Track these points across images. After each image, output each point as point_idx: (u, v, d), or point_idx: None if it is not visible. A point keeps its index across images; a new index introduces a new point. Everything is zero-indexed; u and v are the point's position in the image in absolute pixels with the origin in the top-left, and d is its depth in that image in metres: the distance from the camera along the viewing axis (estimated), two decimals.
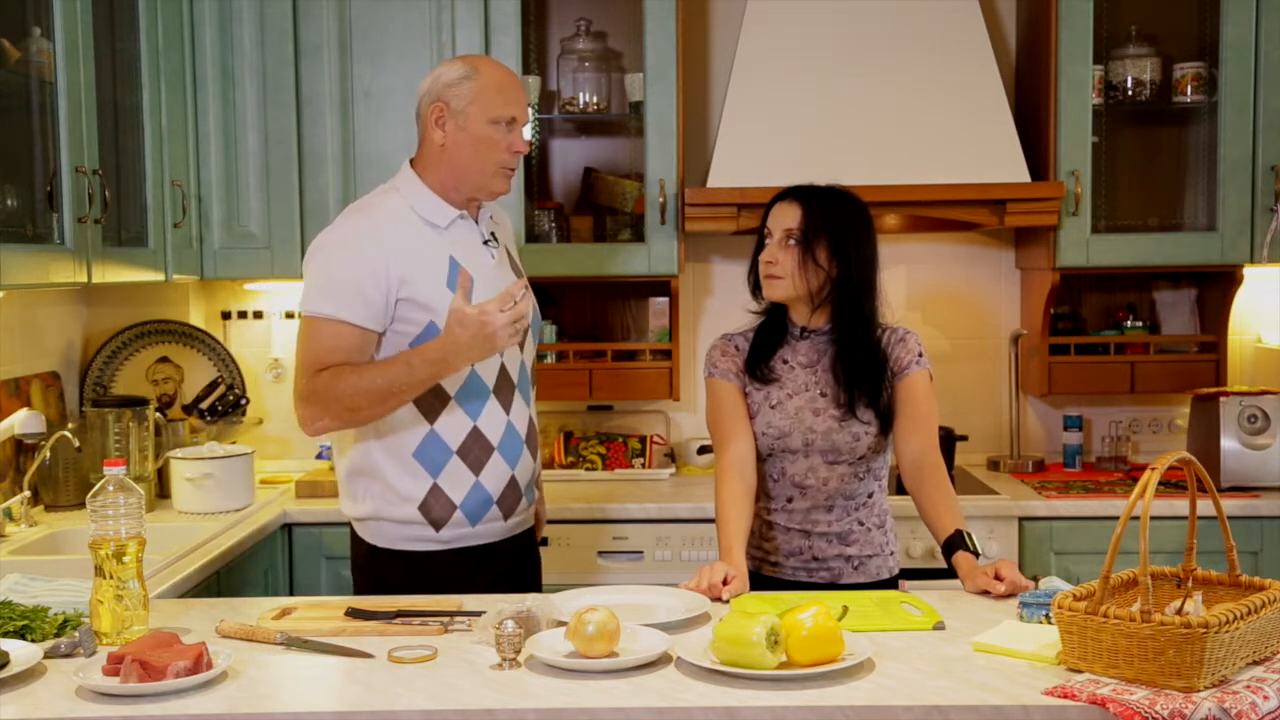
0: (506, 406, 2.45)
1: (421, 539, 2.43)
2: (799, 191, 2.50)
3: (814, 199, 2.47)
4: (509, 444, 2.45)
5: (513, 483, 2.47)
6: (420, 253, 2.37)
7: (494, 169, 2.42)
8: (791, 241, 2.45)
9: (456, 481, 2.41)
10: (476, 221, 2.48)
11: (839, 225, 2.45)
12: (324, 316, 2.32)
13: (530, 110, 2.88)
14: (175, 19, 3.33)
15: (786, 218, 2.46)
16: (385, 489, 2.41)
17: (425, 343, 2.31)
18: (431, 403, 2.39)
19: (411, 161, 2.49)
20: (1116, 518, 3.07)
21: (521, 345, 2.50)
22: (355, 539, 2.51)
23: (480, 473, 2.42)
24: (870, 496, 2.53)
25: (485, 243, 2.48)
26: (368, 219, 2.39)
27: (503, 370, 2.44)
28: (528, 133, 2.50)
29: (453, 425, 2.40)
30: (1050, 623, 1.96)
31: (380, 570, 2.44)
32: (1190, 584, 1.94)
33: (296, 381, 2.35)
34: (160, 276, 3.19)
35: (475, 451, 2.41)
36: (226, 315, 3.87)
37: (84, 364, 3.55)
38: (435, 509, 2.41)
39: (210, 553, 2.78)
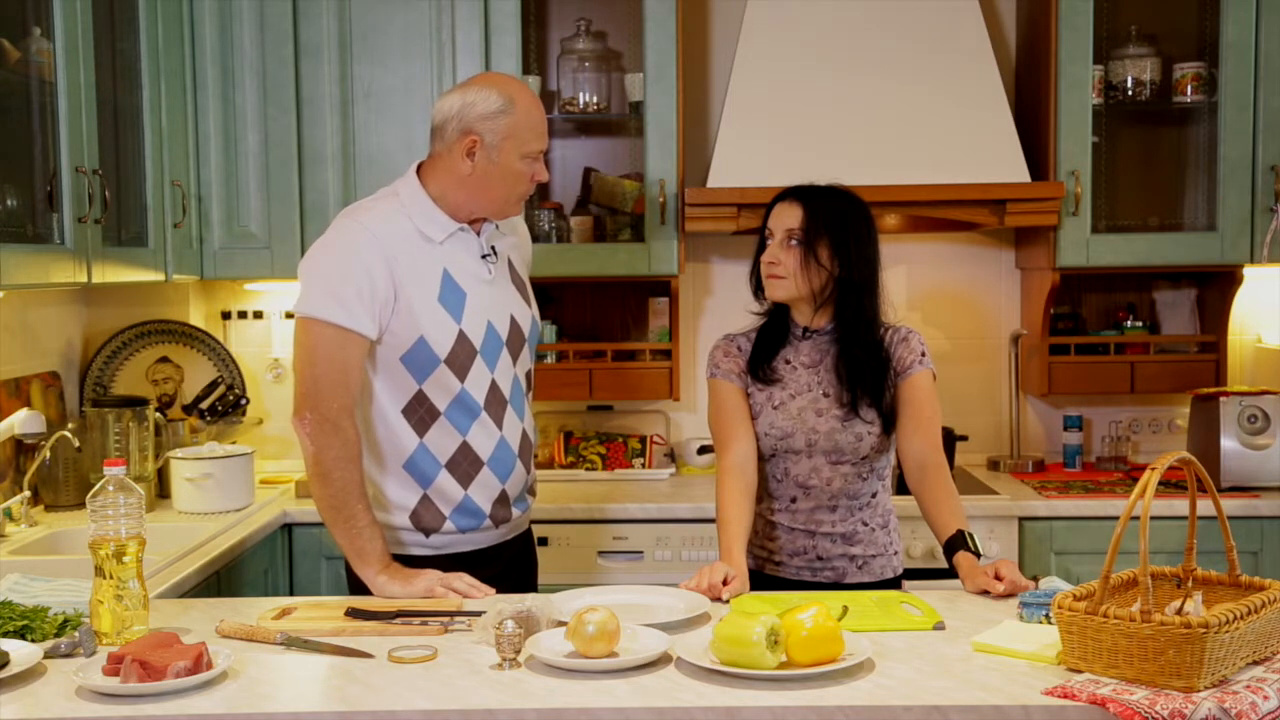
0: (498, 422, 2.43)
1: (412, 544, 2.43)
2: (800, 191, 2.50)
3: (815, 198, 2.47)
4: (500, 458, 2.44)
5: (503, 496, 2.47)
6: (414, 264, 2.35)
7: (516, 198, 2.43)
8: (793, 241, 2.45)
9: (446, 494, 2.41)
10: (479, 233, 2.46)
11: (840, 224, 2.45)
12: (326, 320, 2.30)
13: None
14: (175, 19, 3.33)
15: (788, 218, 2.46)
16: (377, 494, 2.41)
17: (378, 540, 2.33)
18: (422, 416, 2.38)
19: (419, 167, 2.45)
20: (1116, 518, 3.08)
21: (515, 358, 2.49)
22: None
23: (469, 486, 2.42)
24: (874, 496, 2.53)
25: (484, 256, 2.46)
26: (363, 224, 2.36)
27: (493, 386, 2.43)
28: None
29: (442, 440, 2.39)
30: (1050, 623, 1.96)
31: None
32: (1190, 584, 1.94)
33: (322, 389, 2.29)
34: (160, 276, 3.19)
35: (464, 466, 2.41)
36: (226, 315, 3.87)
37: (84, 364, 3.55)
38: (425, 518, 2.42)
39: (210, 553, 2.78)
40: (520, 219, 2.63)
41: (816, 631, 1.80)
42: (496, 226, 2.49)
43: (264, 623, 2.08)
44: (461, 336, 2.37)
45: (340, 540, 2.35)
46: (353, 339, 2.31)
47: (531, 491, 2.60)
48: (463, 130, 2.37)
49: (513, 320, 2.48)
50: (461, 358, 2.37)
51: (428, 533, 2.42)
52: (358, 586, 2.45)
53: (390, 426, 2.39)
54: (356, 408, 2.37)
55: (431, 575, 2.30)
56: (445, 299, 2.36)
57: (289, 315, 3.84)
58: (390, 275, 2.32)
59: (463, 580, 2.29)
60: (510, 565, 2.55)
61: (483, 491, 2.43)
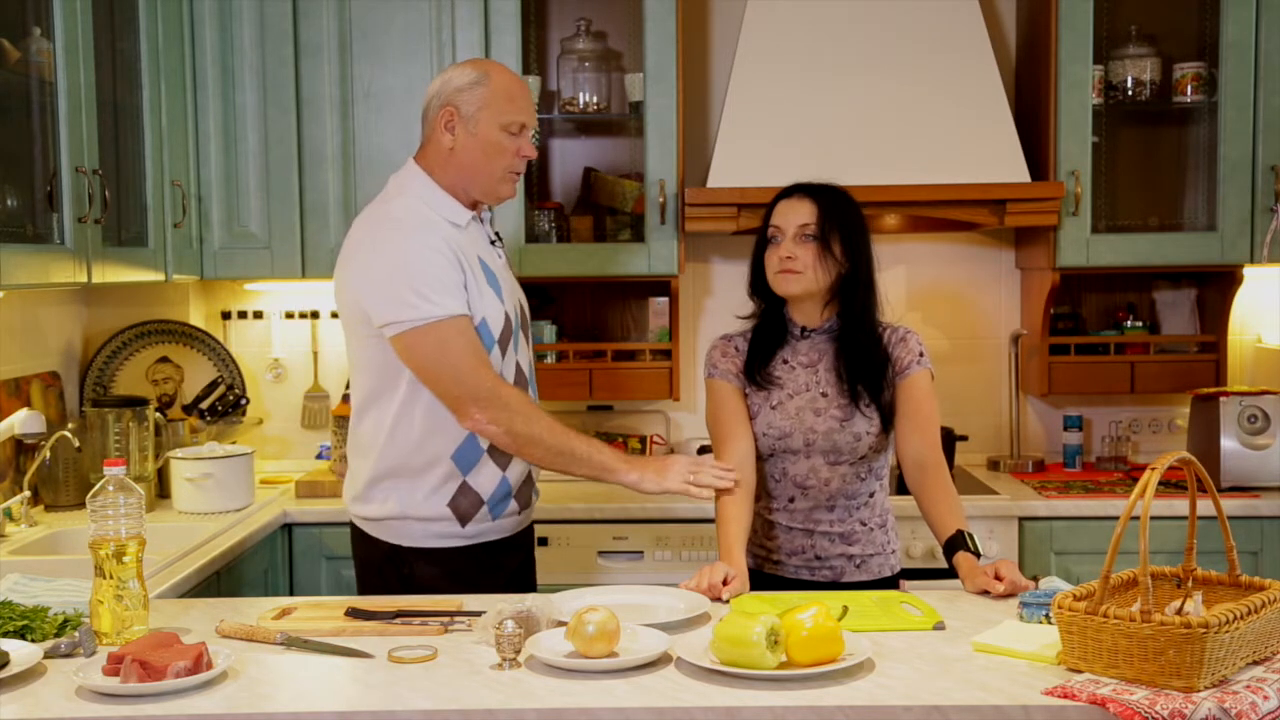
0: None
1: (448, 535, 2.44)
2: (808, 188, 2.50)
3: (825, 195, 2.48)
4: None
5: (528, 477, 2.53)
6: (459, 248, 2.39)
7: (501, 174, 2.44)
8: (808, 236, 2.45)
9: (484, 477, 2.44)
10: (483, 221, 2.52)
11: (849, 220, 2.47)
12: (421, 323, 2.31)
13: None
14: (175, 19, 3.33)
15: (800, 213, 2.46)
16: (415, 488, 2.43)
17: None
18: None
19: (416, 160, 2.48)
20: (1116, 518, 3.07)
21: (528, 342, 2.56)
22: (368, 541, 2.50)
23: (506, 468, 2.46)
24: (872, 496, 2.53)
25: (493, 242, 2.52)
26: (400, 221, 2.38)
27: (517, 368, 2.49)
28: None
29: None
30: (1050, 623, 1.96)
31: (406, 569, 2.45)
32: (1190, 584, 1.94)
33: (465, 380, 2.32)
34: (160, 276, 3.19)
35: (500, 449, 2.44)
36: (226, 315, 3.87)
37: (84, 364, 3.55)
38: (464, 505, 2.43)
39: (210, 553, 2.78)
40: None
41: (816, 631, 1.80)
42: (492, 218, 2.54)
43: (264, 623, 2.08)
44: (507, 319, 2.43)
45: (582, 473, 2.42)
46: (455, 324, 2.32)
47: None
48: (441, 104, 2.43)
49: (520, 305, 2.56)
50: (504, 339, 2.43)
51: (464, 520, 2.44)
52: (366, 586, 2.46)
53: (443, 418, 2.39)
54: (415, 403, 2.39)
55: (680, 467, 2.38)
56: (493, 283, 2.42)
57: (289, 315, 3.85)
58: (454, 253, 2.35)
59: (708, 472, 2.38)
60: (525, 558, 2.59)
61: (513, 471, 2.48)
